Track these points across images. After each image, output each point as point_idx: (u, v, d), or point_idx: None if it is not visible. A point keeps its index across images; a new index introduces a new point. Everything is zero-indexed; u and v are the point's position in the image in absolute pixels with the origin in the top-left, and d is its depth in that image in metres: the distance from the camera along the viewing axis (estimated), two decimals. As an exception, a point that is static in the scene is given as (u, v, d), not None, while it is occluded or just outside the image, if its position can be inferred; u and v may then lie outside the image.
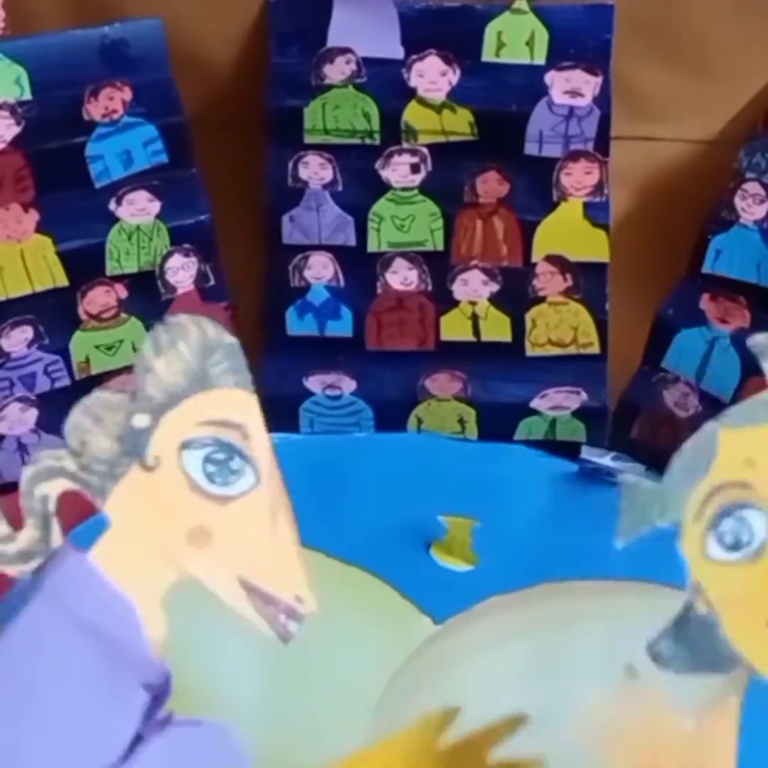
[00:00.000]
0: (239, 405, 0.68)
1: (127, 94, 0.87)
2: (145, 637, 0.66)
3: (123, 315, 0.92)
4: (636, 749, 0.67)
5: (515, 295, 0.95)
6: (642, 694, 0.66)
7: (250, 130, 0.92)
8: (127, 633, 0.66)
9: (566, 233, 0.93)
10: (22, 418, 0.92)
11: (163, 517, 0.66)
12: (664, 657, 0.62)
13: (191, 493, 0.66)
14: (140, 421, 0.66)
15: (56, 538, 0.68)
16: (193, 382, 0.66)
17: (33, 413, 0.92)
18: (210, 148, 0.91)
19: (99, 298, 0.91)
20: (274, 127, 0.92)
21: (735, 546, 0.59)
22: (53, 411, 0.92)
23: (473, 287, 0.95)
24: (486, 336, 0.96)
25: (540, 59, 0.89)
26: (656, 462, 0.89)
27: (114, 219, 0.89)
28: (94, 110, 0.87)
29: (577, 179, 0.92)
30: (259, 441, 0.69)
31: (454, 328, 0.96)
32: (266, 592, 0.67)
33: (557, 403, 0.96)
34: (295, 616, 0.68)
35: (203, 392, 0.66)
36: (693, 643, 0.61)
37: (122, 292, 0.92)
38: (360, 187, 0.93)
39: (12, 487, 0.93)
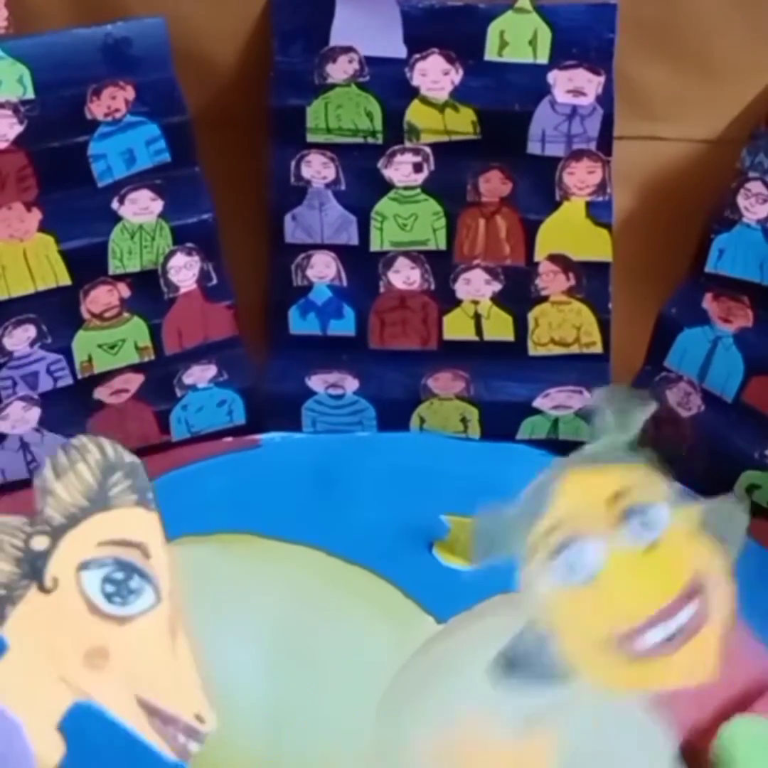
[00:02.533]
0: (139, 524, 0.69)
1: (129, 93, 0.87)
2: (31, 758, 0.66)
3: (125, 314, 0.92)
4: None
5: (518, 294, 0.95)
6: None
7: (252, 129, 0.92)
8: (10, 749, 0.66)
9: (569, 232, 0.93)
10: (24, 417, 0.92)
11: (60, 639, 0.66)
12: (506, 672, 0.68)
13: (89, 615, 0.66)
14: (39, 543, 0.66)
15: None
16: (93, 502, 0.67)
17: (36, 412, 0.92)
18: (212, 147, 0.91)
19: (101, 298, 0.91)
20: (277, 126, 0.92)
21: (570, 574, 0.66)
22: (56, 410, 0.93)
23: (476, 286, 0.95)
24: (488, 335, 0.96)
25: (543, 58, 0.89)
26: (658, 461, 0.89)
27: (116, 218, 0.90)
28: (96, 109, 0.87)
29: (580, 178, 0.92)
30: (160, 559, 0.69)
31: (456, 327, 0.96)
32: (165, 712, 0.68)
33: (560, 403, 0.96)
34: (195, 736, 0.68)
35: (103, 512, 0.67)
36: (531, 657, 0.67)
37: (125, 291, 0.92)
38: (363, 186, 0.93)
39: (14, 487, 0.93)
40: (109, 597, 0.67)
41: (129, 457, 0.68)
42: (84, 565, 0.66)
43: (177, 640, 0.68)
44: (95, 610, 0.67)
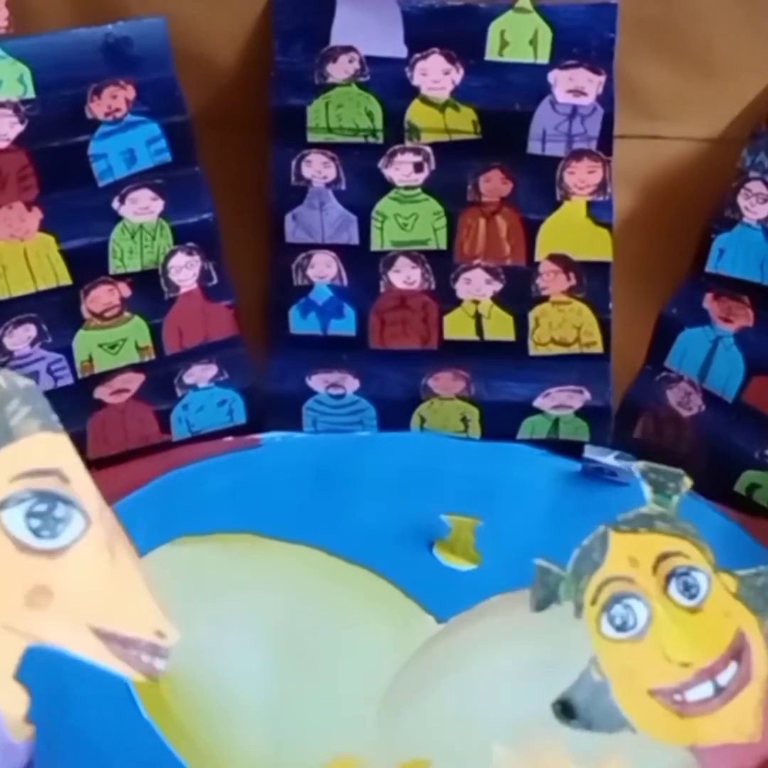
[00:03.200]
0: (49, 449, 0.65)
1: (130, 92, 0.87)
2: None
3: (126, 314, 0.92)
4: None
5: (518, 294, 0.95)
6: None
7: (253, 128, 0.92)
8: None
9: (569, 232, 0.93)
10: (25, 417, 0.92)
11: None
12: (568, 715, 0.72)
13: (19, 555, 0.63)
14: None
15: None
16: None
17: (36, 412, 0.92)
18: (213, 146, 0.91)
19: (102, 297, 0.91)
20: (278, 125, 0.92)
21: (623, 627, 0.71)
22: (56, 409, 0.92)
23: (476, 286, 0.95)
24: (489, 335, 0.96)
25: (543, 58, 0.89)
26: (659, 461, 0.89)
27: (117, 217, 0.90)
28: (97, 109, 0.87)
29: (581, 178, 0.92)
30: (80, 481, 0.65)
31: (457, 327, 0.96)
32: (123, 636, 0.65)
33: (560, 402, 0.96)
34: (159, 652, 0.66)
35: (8, 445, 0.63)
36: (589, 703, 0.71)
37: (125, 290, 0.92)
38: (363, 186, 0.93)
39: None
40: (36, 532, 0.63)
41: (22, 382, 0.64)
42: (2, 505, 0.63)
43: (118, 560, 0.65)
44: (25, 548, 0.63)
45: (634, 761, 0.73)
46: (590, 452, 0.92)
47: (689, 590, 0.73)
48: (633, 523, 0.75)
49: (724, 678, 0.73)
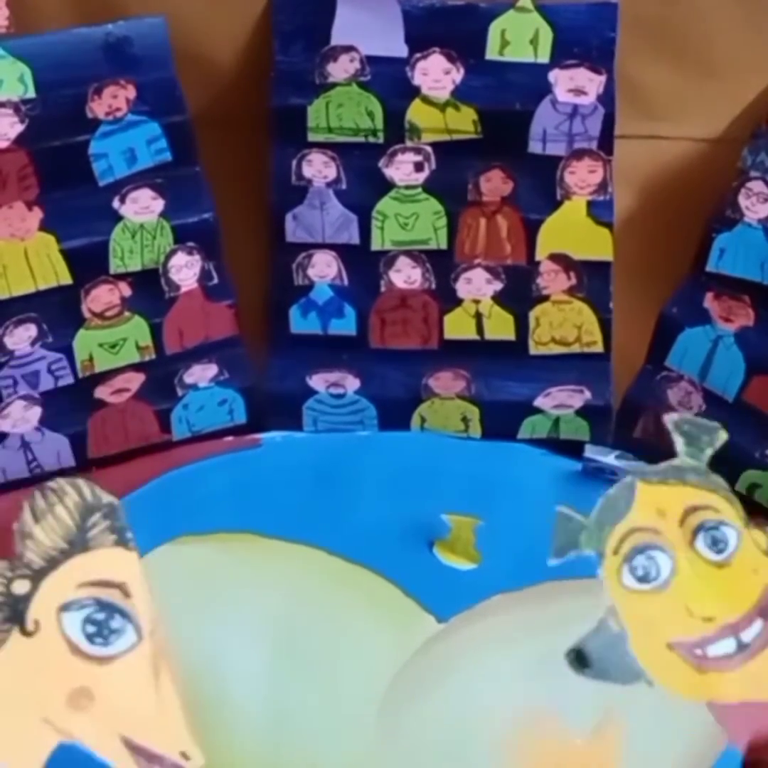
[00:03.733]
0: (119, 564, 0.70)
1: (130, 92, 0.87)
2: None
3: (126, 313, 0.92)
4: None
5: (519, 293, 0.95)
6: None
7: (253, 128, 0.92)
8: None
9: (570, 232, 0.93)
10: (25, 416, 0.92)
11: (43, 681, 0.68)
12: (582, 664, 0.71)
13: (71, 656, 0.68)
14: (20, 587, 0.67)
15: None
16: (72, 545, 0.68)
17: (36, 411, 0.92)
18: (213, 146, 0.91)
19: (102, 297, 0.91)
20: (278, 125, 0.92)
21: (644, 578, 0.70)
22: (57, 409, 0.93)
23: (477, 286, 0.95)
24: (489, 334, 0.96)
25: (544, 58, 0.89)
26: (660, 460, 0.89)
27: (117, 217, 0.89)
28: (97, 108, 0.87)
29: (581, 178, 0.92)
30: (141, 598, 0.70)
31: (457, 326, 0.96)
32: (151, 751, 0.68)
33: (561, 402, 0.96)
34: None
35: (82, 554, 0.68)
36: (604, 653, 0.70)
37: (126, 290, 0.92)
38: (364, 186, 0.93)
39: (15, 486, 0.93)
40: (90, 637, 0.68)
41: (106, 498, 0.70)
42: (65, 607, 0.68)
43: (160, 679, 0.70)
44: (77, 651, 0.68)
45: (649, 715, 0.72)
46: (591, 452, 0.92)
47: (717, 545, 0.72)
48: (663, 474, 0.73)
49: (748, 635, 0.71)
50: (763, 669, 0.71)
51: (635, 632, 0.71)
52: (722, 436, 0.73)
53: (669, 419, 0.75)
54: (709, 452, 0.73)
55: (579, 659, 0.71)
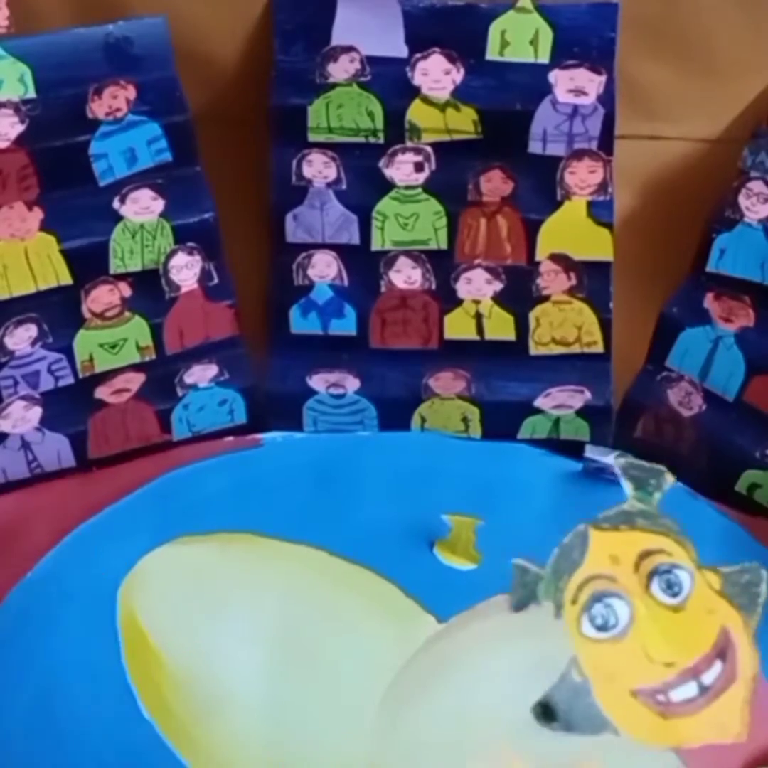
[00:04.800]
0: None
1: (131, 92, 0.87)
2: None
3: (127, 313, 0.92)
4: None
5: (519, 293, 0.95)
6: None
7: (254, 128, 0.92)
8: None
9: (570, 232, 0.93)
10: (25, 417, 0.92)
11: None
12: (548, 718, 0.71)
13: None
14: None
15: None
16: None
17: (37, 411, 0.92)
18: (214, 146, 0.91)
19: (103, 297, 0.91)
20: (278, 125, 0.92)
21: (603, 627, 0.70)
22: (57, 409, 0.93)
23: (477, 286, 0.95)
24: (490, 335, 0.96)
25: (544, 58, 0.89)
26: (660, 461, 0.89)
27: (118, 217, 0.89)
28: (98, 108, 0.87)
29: (581, 178, 0.92)
30: None
31: (457, 326, 0.96)
32: None
33: (561, 402, 0.96)
34: None
35: None
36: (569, 704, 0.70)
37: (126, 290, 0.92)
38: (364, 186, 0.93)
39: (15, 486, 0.93)
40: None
41: None
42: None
43: None
44: None
45: (617, 765, 0.73)
46: (591, 452, 0.92)
47: (672, 588, 0.72)
48: (614, 521, 0.74)
49: (708, 677, 0.72)
50: (725, 711, 0.72)
51: (598, 682, 0.71)
52: (668, 480, 0.75)
53: (616, 463, 0.76)
54: (657, 496, 0.75)
55: (545, 713, 0.72)
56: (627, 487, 0.75)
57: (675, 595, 0.72)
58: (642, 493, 0.74)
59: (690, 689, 0.72)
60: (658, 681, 0.71)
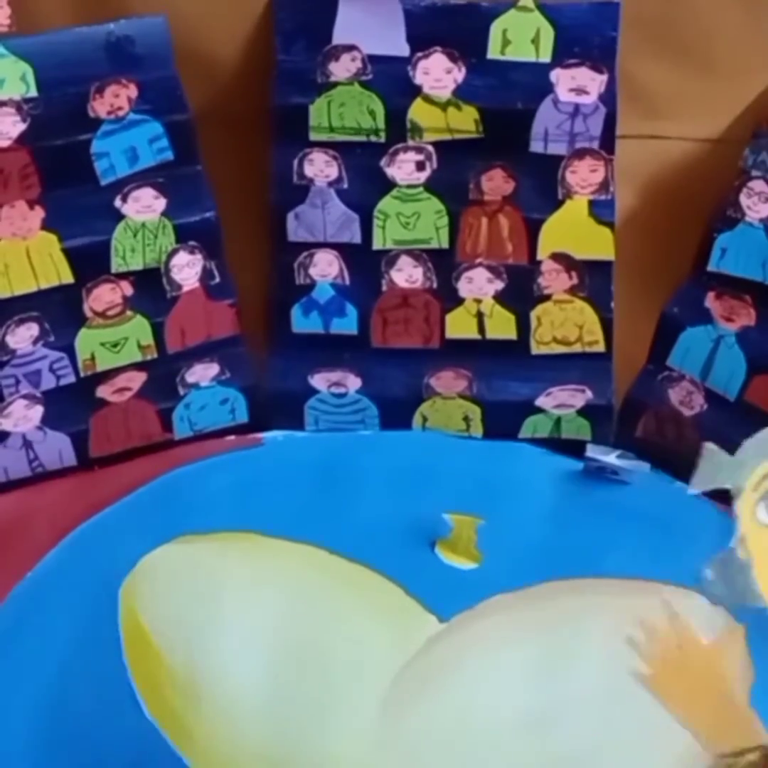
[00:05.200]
0: None
1: (132, 91, 0.87)
2: None
3: (128, 312, 0.92)
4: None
5: (520, 293, 0.95)
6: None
7: (255, 127, 0.92)
8: None
9: (571, 231, 0.93)
10: (27, 415, 0.92)
11: None
12: (708, 583, 0.73)
13: None
14: None
15: None
16: None
17: (38, 410, 0.92)
18: (215, 145, 0.91)
19: (104, 296, 0.91)
20: (280, 124, 0.92)
21: None
22: (58, 408, 0.93)
23: (478, 285, 0.95)
24: (491, 334, 0.96)
25: (545, 57, 0.89)
26: (661, 460, 0.89)
27: (119, 216, 0.90)
28: (99, 107, 0.87)
29: (583, 177, 0.92)
30: None
31: (459, 325, 0.96)
32: None
33: (562, 401, 0.96)
34: None
35: None
36: (731, 576, 0.73)
37: (128, 289, 0.92)
38: (365, 185, 0.93)
39: (17, 485, 0.93)
40: None
41: None
42: None
43: None
44: None
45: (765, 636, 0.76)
46: (592, 451, 0.92)
47: None
48: None
49: None
50: None
51: (761, 562, 0.74)
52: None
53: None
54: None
55: (705, 579, 0.74)
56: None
57: None
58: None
59: None
60: None
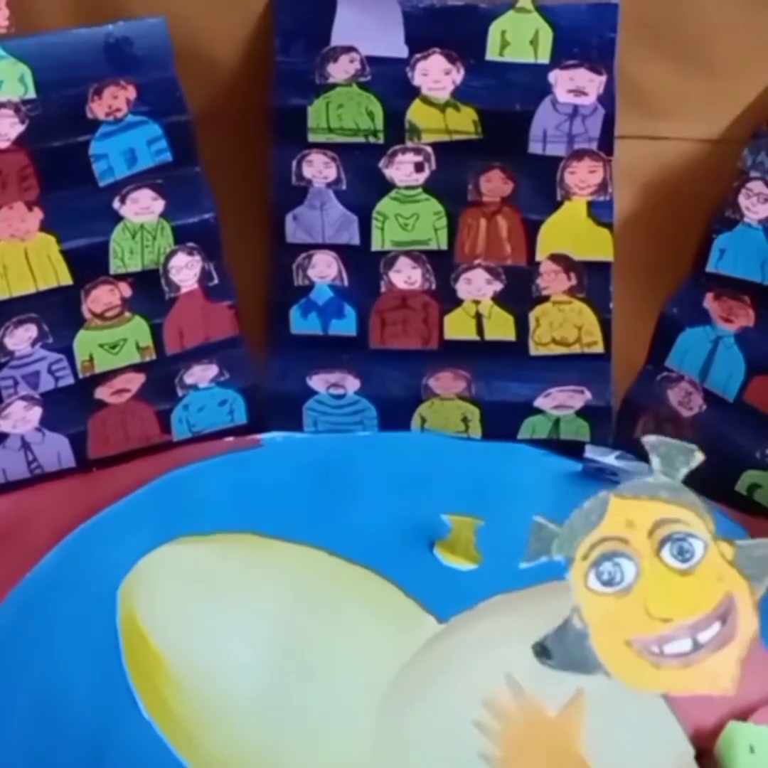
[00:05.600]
0: None
1: (131, 92, 0.87)
2: None
3: (127, 314, 0.92)
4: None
5: (519, 294, 0.95)
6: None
7: (254, 128, 0.92)
8: None
9: (570, 232, 0.93)
10: (26, 417, 0.92)
11: None
12: (545, 655, 0.74)
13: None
14: None
15: None
16: None
17: (37, 412, 0.92)
18: (214, 146, 0.91)
19: (103, 297, 0.91)
20: (278, 125, 0.92)
21: (609, 582, 0.74)
22: (57, 410, 0.93)
23: (477, 286, 0.95)
24: (490, 335, 0.96)
25: (544, 58, 0.89)
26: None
27: (118, 217, 0.90)
28: (98, 109, 0.87)
29: (581, 178, 0.92)
30: None
31: (457, 327, 0.96)
32: None
33: (561, 402, 0.96)
34: None
35: None
36: (568, 647, 0.74)
37: (126, 290, 0.92)
38: (364, 186, 0.93)
39: (15, 486, 0.93)
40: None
41: None
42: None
43: None
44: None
45: (604, 702, 0.75)
46: (591, 452, 0.92)
47: (683, 555, 0.75)
48: (635, 490, 0.76)
49: (705, 636, 0.74)
50: (716, 666, 0.74)
51: (596, 629, 0.74)
52: (698, 457, 0.76)
53: (646, 441, 0.77)
54: (683, 471, 0.76)
55: (543, 652, 0.75)
56: (655, 462, 0.76)
57: (685, 561, 0.75)
58: (668, 469, 0.76)
59: (684, 644, 0.74)
60: (654, 634, 0.74)
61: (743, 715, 0.74)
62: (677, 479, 0.76)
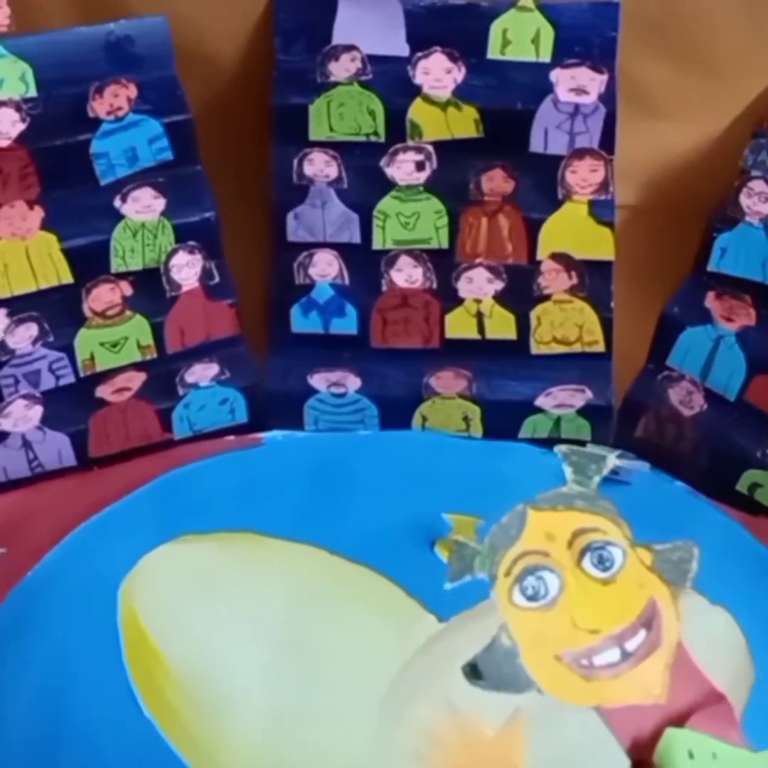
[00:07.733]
0: None
1: (132, 91, 0.87)
2: None
3: (128, 312, 0.92)
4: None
5: (520, 292, 0.95)
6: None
7: (255, 127, 0.92)
8: None
9: (571, 231, 0.93)
10: (27, 415, 0.92)
11: None
12: (476, 676, 0.75)
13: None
14: None
15: None
16: None
17: (38, 410, 0.92)
18: (215, 145, 0.91)
19: (104, 296, 0.91)
20: (279, 124, 0.92)
21: (534, 597, 0.74)
22: (58, 408, 0.93)
23: (478, 285, 0.95)
24: (491, 334, 0.96)
25: (545, 57, 0.89)
26: (661, 460, 0.89)
27: (119, 216, 0.90)
28: (99, 107, 0.87)
29: (583, 177, 0.92)
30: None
31: (458, 325, 0.96)
32: None
33: (562, 401, 0.96)
34: None
35: None
36: (498, 666, 0.74)
37: (127, 289, 0.92)
38: (365, 185, 0.93)
39: (16, 485, 0.93)
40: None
41: None
42: None
43: None
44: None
45: (539, 718, 0.75)
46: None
47: (603, 563, 0.75)
48: (552, 501, 0.77)
49: (632, 644, 0.74)
50: (646, 675, 0.74)
51: (525, 646, 0.75)
52: (609, 463, 0.78)
53: (558, 450, 0.80)
54: (596, 479, 0.77)
55: (473, 673, 0.75)
56: (567, 472, 0.78)
57: (606, 569, 0.75)
58: (581, 477, 0.77)
59: (612, 655, 0.74)
60: (583, 646, 0.74)
61: (678, 722, 0.74)
62: (591, 487, 0.77)
